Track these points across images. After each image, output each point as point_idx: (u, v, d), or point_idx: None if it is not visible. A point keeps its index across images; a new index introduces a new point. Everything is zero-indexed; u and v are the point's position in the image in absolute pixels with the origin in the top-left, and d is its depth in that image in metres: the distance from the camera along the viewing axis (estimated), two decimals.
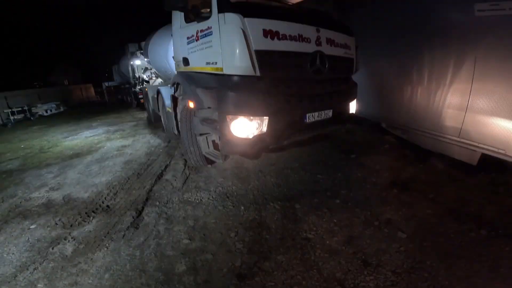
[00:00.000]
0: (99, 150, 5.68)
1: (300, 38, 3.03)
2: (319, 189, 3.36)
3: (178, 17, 3.75)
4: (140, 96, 10.42)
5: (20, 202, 3.72)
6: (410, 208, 2.85)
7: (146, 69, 9.92)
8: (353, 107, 3.97)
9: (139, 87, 10.80)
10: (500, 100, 3.16)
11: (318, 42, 3.19)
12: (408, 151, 4.34)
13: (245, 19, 2.70)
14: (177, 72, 4.08)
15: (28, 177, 4.66)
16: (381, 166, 3.91)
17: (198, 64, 3.35)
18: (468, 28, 3.47)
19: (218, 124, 2.96)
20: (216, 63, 2.95)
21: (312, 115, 3.26)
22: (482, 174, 3.37)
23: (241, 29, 2.67)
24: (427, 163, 3.89)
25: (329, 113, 3.45)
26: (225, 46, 2.81)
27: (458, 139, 3.61)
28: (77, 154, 5.56)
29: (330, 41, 3.34)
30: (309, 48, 3.12)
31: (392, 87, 4.77)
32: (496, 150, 3.21)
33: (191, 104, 3.47)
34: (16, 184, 4.41)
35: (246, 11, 2.76)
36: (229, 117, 2.81)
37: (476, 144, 3.41)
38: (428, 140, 4.12)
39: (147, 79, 9.89)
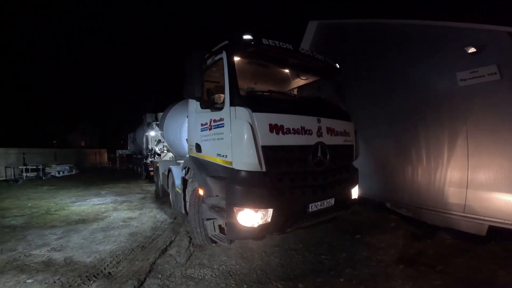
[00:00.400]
0: (105, 219, 5.77)
1: (303, 131, 3.25)
2: (323, 268, 3.39)
3: (194, 101, 3.94)
4: (151, 169, 10.47)
5: (19, 257, 3.75)
6: (417, 281, 2.83)
7: (159, 141, 10.21)
8: (355, 193, 4.03)
9: (150, 159, 11.01)
10: (497, 173, 3.30)
11: (319, 133, 3.40)
12: (414, 228, 4.35)
13: (254, 114, 2.95)
14: (189, 156, 4.37)
15: (31, 235, 4.72)
16: (387, 244, 3.92)
17: (209, 153, 3.62)
18: (456, 101, 3.71)
19: (225, 213, 3.08)
20: (226, 156, 3.20)
21: (315, 205, 3.36)
22: (492, 242, 3.35)
23: (250, 124, 2.90)
24: (434, 238, 3.87)
25: (331, 201, 3.54)
26: (235, 142, 3.03)
27: (464, 214, 3.62)
28: (83, 220, 5.66)
29: (330, 130, 3.55)
30: (311, 140, 3.33)
31: (393, 167, 4.96)
32: (502, 221, 3.24)
33: (201, 192, 3.61)
34: (17, 240, 4.47)
35: (255, 105, 3.02)
36: (236, 208, 2.95)
37: (482, 217, 3.41)
38: (434, 216, 4.10)
39: (158, 152, 10.18)
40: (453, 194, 3.94)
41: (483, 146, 3.63)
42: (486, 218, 3.50)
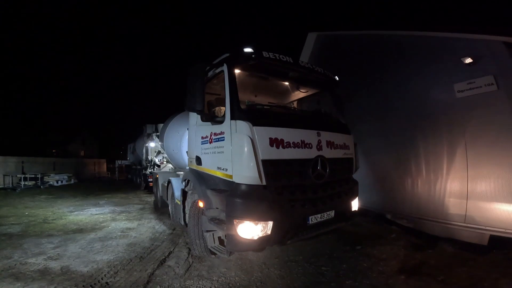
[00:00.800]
0: (103, 229, 5.71)
1: (303, 145, 3.27)
2: (323, 280, 3.36)
3: (195, 114, 3.92)
4: (150, 180, 10.47)
5: (15, 265, 3.73)
6: None
7: (159, 153, 10.20)
8: (355, 205, 4.02)
9: (150, 170, 10.97)
10: (497, 183, 3.33)
11: (319, 147, 3.43)
12: (415, 239, 4.33)
13: (254, 127, 2.98)
14: (190, 168, 4.37)
15: (27, 243, 4.69)
16: (388, 255, 3.89)
17: (210, 166, 3.62)
18: (454, 112, 3.74)
19: (225, 225, 3.06)
20: (226, 169, 3.20)
21: (315, 217, 3.35)
22: (494, 251, 3.34)
23: (250, 138, 2.93)
24: (436, 248, 3.85)
25: (331, 213, 3.53)
26: (235, 155, 3.05)
27: (465, 224, 3.63)
28: (81, 230, 5.61)
29: (330, 144, 3.58)
30: (311, 154, 3.36)
31: (393, 178, 4.98)
32: (504, 231, 3.25)
33: (201, 204, 3.61)
34: (13, 248, 4.43)
35: (255, 119, 3.05)
36: (236, 220, 2.93)
37: (483, 227, 3.42)
38: (435, 226, 4.09)
39: (158, 163, 10.14)
40: (454, 205, 3.96)
41: (482, 157, 3.65)
42: (487, 228, 3.52)
